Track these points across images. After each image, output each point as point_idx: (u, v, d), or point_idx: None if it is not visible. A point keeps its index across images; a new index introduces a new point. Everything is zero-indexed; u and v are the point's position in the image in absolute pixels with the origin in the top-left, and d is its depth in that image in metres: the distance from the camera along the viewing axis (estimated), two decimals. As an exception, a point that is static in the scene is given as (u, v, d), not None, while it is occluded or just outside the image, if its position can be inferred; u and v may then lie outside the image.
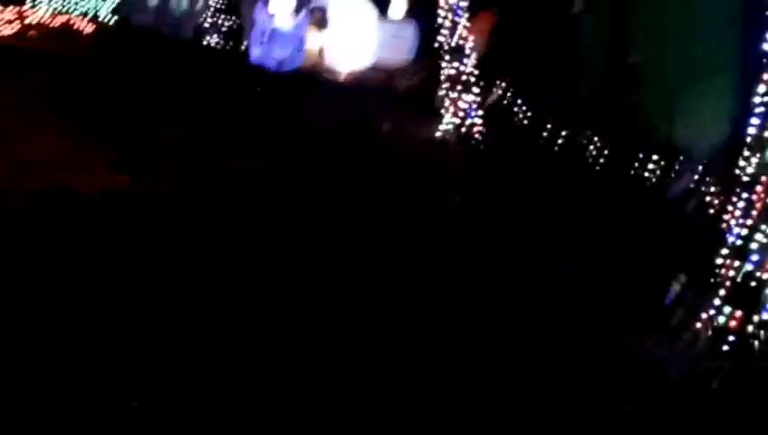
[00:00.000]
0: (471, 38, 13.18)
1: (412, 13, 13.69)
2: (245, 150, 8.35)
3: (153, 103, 9.16)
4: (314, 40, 12.87)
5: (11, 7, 12.20)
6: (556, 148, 11.13)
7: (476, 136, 10.79)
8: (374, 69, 13.37)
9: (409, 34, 13.50)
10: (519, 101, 12.08)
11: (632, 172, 10.57)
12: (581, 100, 12.29)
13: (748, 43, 9.18)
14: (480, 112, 11.00)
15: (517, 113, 11.88)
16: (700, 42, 11.84)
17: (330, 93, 11.79)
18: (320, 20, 12.94)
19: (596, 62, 12.92)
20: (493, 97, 12.06)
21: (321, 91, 11.74)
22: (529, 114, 11.85)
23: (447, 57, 11.32)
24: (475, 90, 11.09)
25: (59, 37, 12.00)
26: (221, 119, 9.04)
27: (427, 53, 13.03)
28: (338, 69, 13.12)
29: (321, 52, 12.94)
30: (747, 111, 7.02)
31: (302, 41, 12.26)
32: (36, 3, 12.60)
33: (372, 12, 13.53)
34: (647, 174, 10.55)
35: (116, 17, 13.14)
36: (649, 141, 11.08)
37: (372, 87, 12.71)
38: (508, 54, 12.93)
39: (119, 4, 13.26)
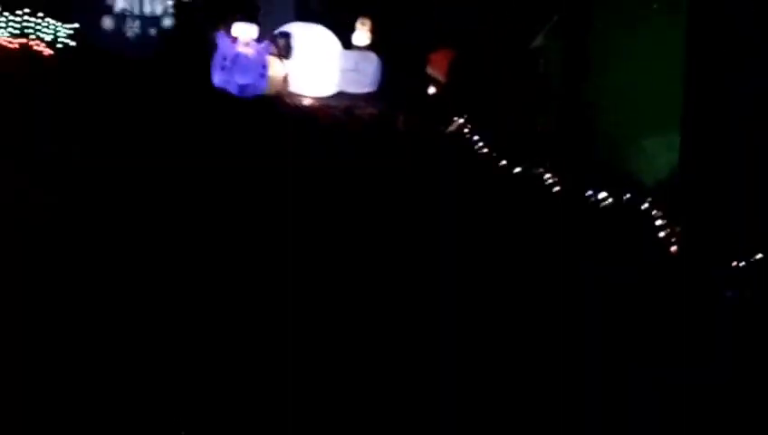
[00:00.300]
0: (430, 72, 13.51)
1: (374, 45, 13.90)
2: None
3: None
4: (279, 67, 12.96)
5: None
6: (512, 178, 11.29)
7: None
8: (336, 98, 13.51)
9: (372, 66, 13.67)
10: (476, 135, 12.23)
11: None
12: (539, 133, 12.49)
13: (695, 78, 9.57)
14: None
15: (475, 144, 12.03)
16: (651, 75, 12.16)
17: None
18: (284, 47, 13.05)
19: (554, 97, 13.14)
20: (452, 127, 12.23)
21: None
22: (486, 147, 12.01)
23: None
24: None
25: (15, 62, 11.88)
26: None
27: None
28: (301, 96, 13.23)
29: (285, 78, 13.02)
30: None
31: (264, 67, 12.33)
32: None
33: (335, 41, 13.71)
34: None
35: (74, 42, 13.02)
36: (603, 173, 11.31)
37: (335, 115, 12.79)
38: (467, 89, 13.14)
39: (78, 28, 13.15)
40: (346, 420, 4.30)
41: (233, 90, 12.11)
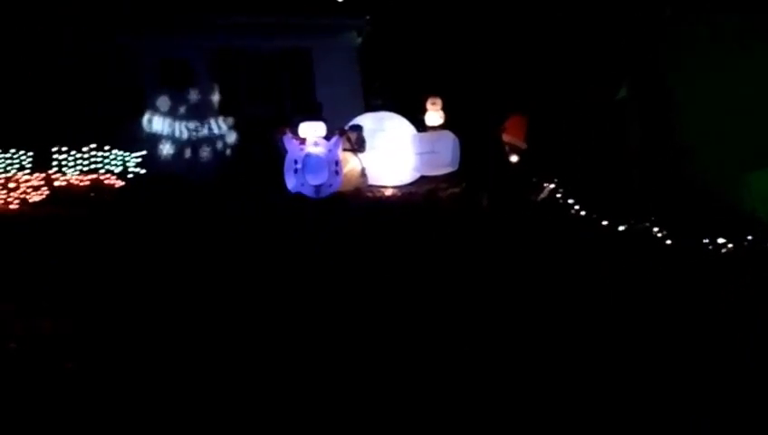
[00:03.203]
0: (508, 141, 12.87)
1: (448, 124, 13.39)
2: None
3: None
4: (354, 161, 12.49)
5: (36, 174, 12.01)
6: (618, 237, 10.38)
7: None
8: (417, 183, 12.95)
9: (449, 145, 13.08)
10: (570, 196, 11.43)
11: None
12: (635, 186, 11.70)
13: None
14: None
15: (571, 207, 11.18)
16: (746, 107, 11.56)
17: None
18: (357, 140, 12.61)
19: (646, 146, 12.44)
20: (543, 194, 11.45)
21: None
22: (583, 209, 11.16)
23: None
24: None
25: (85, 200, 11.74)
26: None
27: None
28: (381, 187, 12.70)
29: (362, 172, 12.53)
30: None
31: (338, 163, 11.81)
32: (63, 165, 12.44)
33: (408, 126, 13.22)
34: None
35: (143, 170, 13.00)
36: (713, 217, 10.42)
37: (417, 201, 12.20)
38: (552, 151, 12.48)
39: (145, 156, 13.14)
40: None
41: (308, 192, 11.62)
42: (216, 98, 14.94)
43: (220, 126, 14.62)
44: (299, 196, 11.64)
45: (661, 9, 12.41)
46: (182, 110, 14.75)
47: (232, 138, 14.48)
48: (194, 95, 14.24)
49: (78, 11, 13.85)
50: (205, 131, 14.27)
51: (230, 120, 14.86)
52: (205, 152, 14.07)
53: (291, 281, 7.83)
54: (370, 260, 8.52)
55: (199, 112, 14.19)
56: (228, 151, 14.48)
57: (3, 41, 13.30)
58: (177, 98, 14.90)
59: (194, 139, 14.00)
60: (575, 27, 14.00)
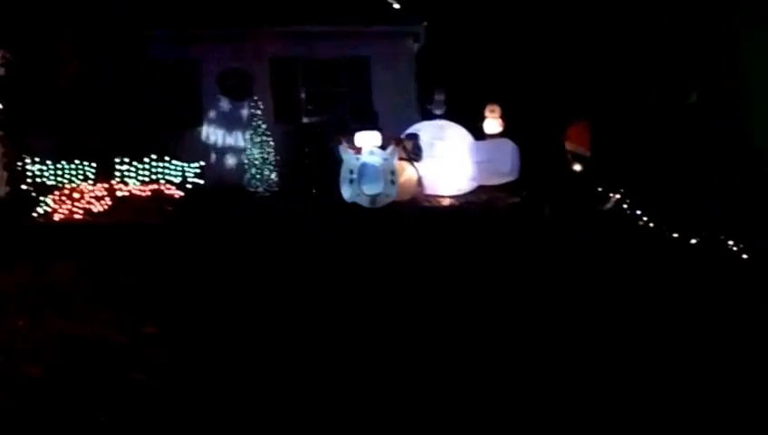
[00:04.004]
0: (571, 149, 12.49)
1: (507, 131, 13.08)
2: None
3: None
4: (410, 170, 12.27)
5: (99, 184, 12.26)
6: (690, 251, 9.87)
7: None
8: (476, 192, 12.67)
9: (508, 154, 12.76)
10: (638, 206, 10.96)
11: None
12: (709, 195, 11.15)
13: None
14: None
15: (639, 219, 10.69)
16: None
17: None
18: (413, 149, 12.38)
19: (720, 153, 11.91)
20: (609, 204, 11.02)
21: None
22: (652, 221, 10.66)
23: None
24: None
25: (146, 209, 11.92)
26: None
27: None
28: (438, 196, 12.44)
29: (419, 181, 12.30)
30: None
31: (393, 173, 11.58)
32: (125, 176, 12.65)
33: (465, 134, 12.93)
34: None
35: (202, 180, 13.12)
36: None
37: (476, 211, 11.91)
38: (618, 159, 12.04)
39: (203, 167, 13.27)
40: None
41: (363, 202, 11.43)
42: (273, 107, 14.95)
43: (278, 134, 14.61)
44: (355, 206, 11.49)
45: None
46: (240, 119, 14.82)
47: (291, 146, 14.42)
48: (252, 104, 14.24)
49: (142, 26, 14.04)
50: (261, 140, 14.25)
51: (288, 128, 14.84)
52: (261, 161, 14.03)
53: (346, 291, 7.68)
54: (423, 271, 8.28)
55: (257, 122, 14.17)
56: (286, 160, 14.45)
57: (68, 57, 13.56)
58: (236, 107, 14.97)
59: (251, 148, 13.99)
60: (642, 31, 13.55)
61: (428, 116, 13.75)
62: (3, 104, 12.83)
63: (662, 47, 12.84)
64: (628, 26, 13.57)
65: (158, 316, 7.01)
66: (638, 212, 10.46)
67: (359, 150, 11.68)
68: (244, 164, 13.94)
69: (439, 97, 13.39)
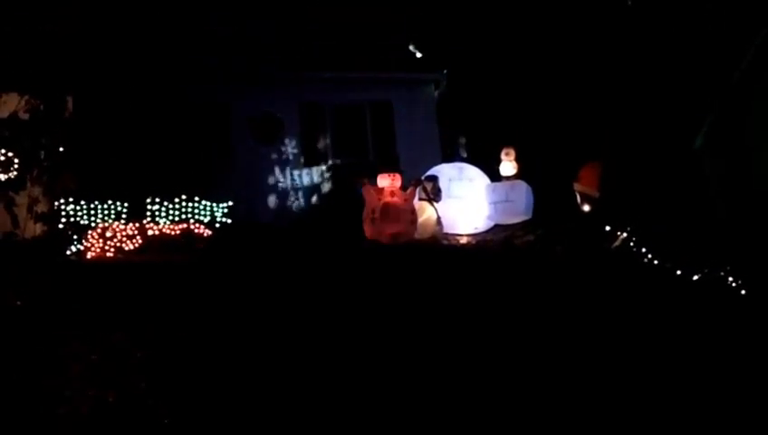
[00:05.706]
0: (581, 190, 12.97)
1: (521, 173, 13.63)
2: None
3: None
4: (430, 210, 12.84)
5: (131, 223, 12.62)
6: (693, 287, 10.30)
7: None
8: (493, 231, 13.18)
9: (523, 194, 13.31)
10: (643, 245, 11.42)
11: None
12: (713, 233, 11.59)
13: None
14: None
15: (645, 256, 11.17)
16: None
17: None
18: (433, 190, 12.97)
19: (722, 194, 12.33)
20: (617, 243, 11.50)
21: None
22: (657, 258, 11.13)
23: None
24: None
25: (177, 248, 12.35)
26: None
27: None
28: (457, 235, 12.99)
29: (438, 220, 12.86)
30: None
31: (413, 213, 12.21)
32: (155, 215, 13.07)
33: (483, 176, 13.51)
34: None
35: (230, 220, 13.46)
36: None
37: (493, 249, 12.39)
38: (626, 200, 12.51)
39: (232, 206, 13.59)
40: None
41: (384, 240, 12.01)
42: (302, 149, 15.55)
43: (305, 176, 15.20)
44: (376, 243, 12.04)
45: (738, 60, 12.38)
46: (269, 161, 15.44)
47: (318, 187, 14.94)
48: (281, 147, 14.77)
49: (175, 71, 14.65)
50: (290, 181, 14.77)
51: (315, 170, 15.42)
52: (290, 201, 14.56)
53: (364, 327, 8.13)
54: (442, 305, 8.74)
55: (286, 164, 14.72)
56: (314, 200, 14.96)
57: (100, 100, 14.18)
58: (265, 150, 15.62)
59: (281, 189, 14.47)
60: (651, 76, 14.07)
61: (449, 158, 14.33)
62: (43, 150, 13.37)
63: (670, 93, 13.33)
64: (636, 73, 14.08)
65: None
66: (644, 250, 10.94)
67: (381, 191, 12.30)
68: (272, 204, 14.47)
69: (462, 141, 13.98)
